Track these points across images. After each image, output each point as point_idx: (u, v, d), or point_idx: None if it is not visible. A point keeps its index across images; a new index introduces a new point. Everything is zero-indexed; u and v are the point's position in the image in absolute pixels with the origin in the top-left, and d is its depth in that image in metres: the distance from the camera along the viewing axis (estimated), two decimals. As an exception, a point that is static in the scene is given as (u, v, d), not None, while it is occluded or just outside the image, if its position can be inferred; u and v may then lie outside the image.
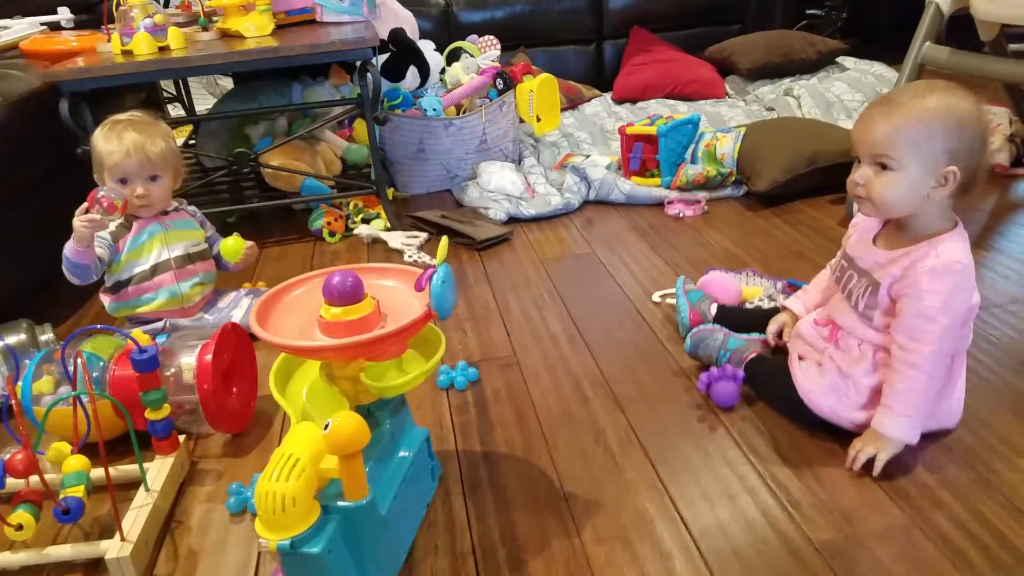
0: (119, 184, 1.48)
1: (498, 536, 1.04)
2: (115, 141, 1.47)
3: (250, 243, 1.62)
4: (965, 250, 1.07)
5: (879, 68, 2.95)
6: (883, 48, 3.08)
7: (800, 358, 1.22)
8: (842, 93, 2.76)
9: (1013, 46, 1.96)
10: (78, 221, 1.39)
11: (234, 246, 1.59)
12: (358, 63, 1.98)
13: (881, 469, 1.07)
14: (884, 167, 1.05)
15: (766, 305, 1.52)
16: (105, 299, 1.56)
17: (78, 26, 2.41)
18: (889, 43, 2.92)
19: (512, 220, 2.13)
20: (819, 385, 1.15)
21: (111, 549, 1.00)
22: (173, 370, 1.26)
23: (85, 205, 1.40)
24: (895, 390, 1.07)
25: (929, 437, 1.14)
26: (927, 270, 1.04)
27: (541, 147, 2.61)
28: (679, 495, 1.08)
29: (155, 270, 1.53)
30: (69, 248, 1.43)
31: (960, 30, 1.85)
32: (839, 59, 3.11)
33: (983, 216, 1.94)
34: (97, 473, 1.10)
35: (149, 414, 1.17)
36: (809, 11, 3.53)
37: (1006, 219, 1.94)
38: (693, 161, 2.22)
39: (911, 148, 1.03)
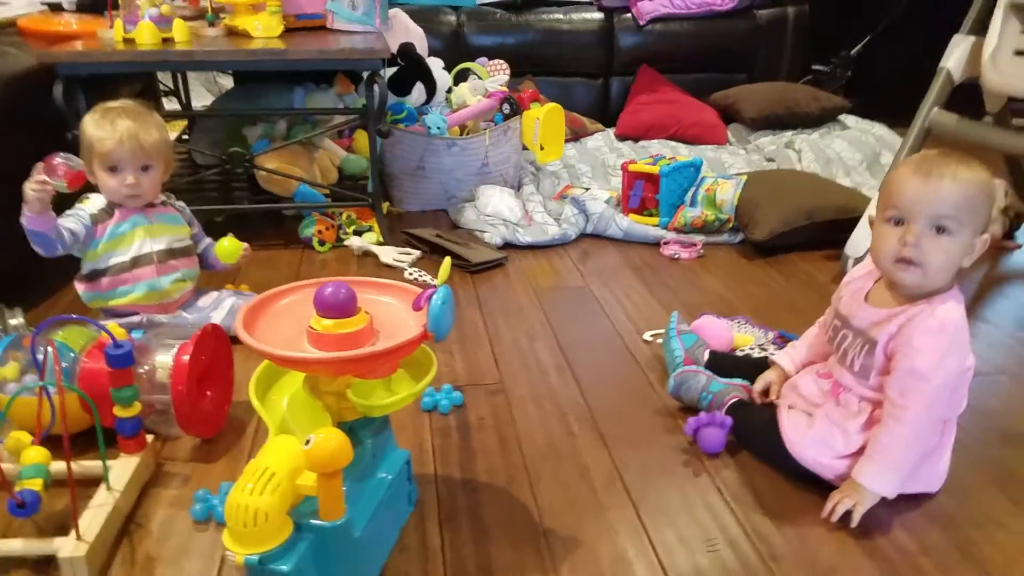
0: (109, 172, 1.44)
1: (473, 567, 1.00)
2: (108, 127, 1.43)
3: (246, 245, 1.58)
4: (961, 312, 1.07)
5: (880, 130, 2.99)
6: (885, 108, 3.11)
7: (790, 407, 1.21)
8: (842, 151, 2.78)
9: (1018, 121, 1.98)
10: (28, 184, 1.35)
11: (231, 247, 1.56)
12: (365, 74, 1.96)
13: (858, 522, 1.05)
14: (943, 230, 1.03)
15: (756, 354, 1.51)
16: (80, 287, 1.51)
17: (80, 9, 2.36)
18: (891, 104, 2.96)
19: (507, 245, 2.11)
20: (805, 436, 1.14)
21: (65, 547, 0.96)
22: (147, 367, 1.22)
23: (40, 167, 1.37)
24: (879, 443, 1.06)
25: (911, 500, 1.12)
26: (922, 328, 1.04)
27: (542, 176, 2.60)
28: (659, 539, 1.05)
29: (135, 262, 1.49)
30: (24, 217, 1.39)
31: (963, 100, 1.87)
32: (841, 117, 3.15)
33: (973, 286, 1.95)
34: (57, 467, 1.05)
35: (118, 411, 1.12)
36: (815, 66, 3.57)
37: (995, 290, 1.95)
38: (692, 204, 2.22)
39: (972, 214, 1.03)
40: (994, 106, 1.87)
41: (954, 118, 1.76)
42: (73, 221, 1.45)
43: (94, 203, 1.48)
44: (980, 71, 1.71)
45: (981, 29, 1.75)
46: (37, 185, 1.35)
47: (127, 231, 1.48)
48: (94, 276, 1.49)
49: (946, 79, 1.79)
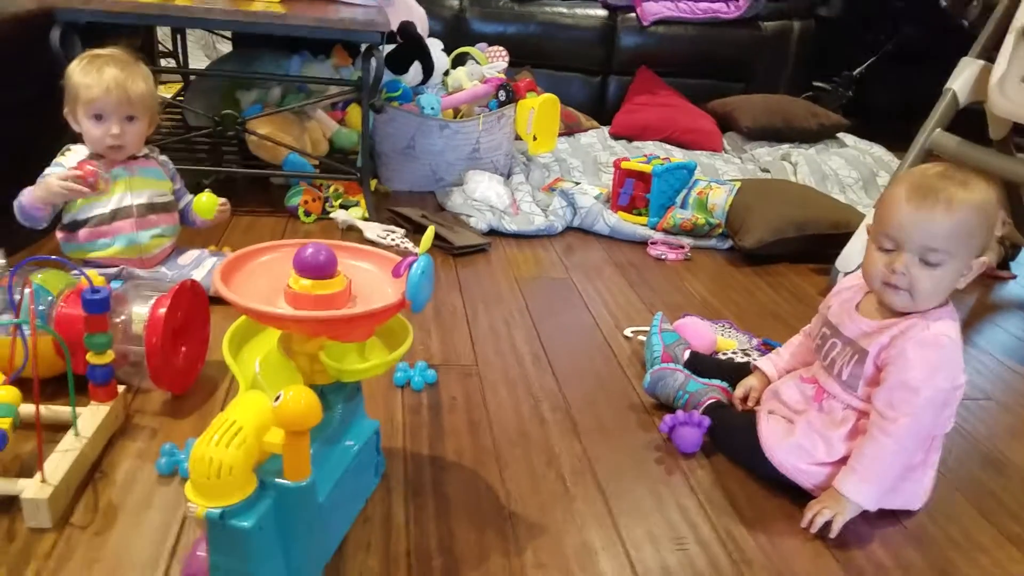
0: (94, 121, 1.41)
1: (435, 544, 0.98)
2: (94, 75, 1.40)
3: (223, 200, 1.56)
4: (955, 328, 1.06)
5: (878, 150, 3.00)
6: (882, 133, 3.14)
7: (770, 412, 1.20)
8: (839, 168, 2.79)
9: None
10: (58, 181, 1.36)
11: (208, 203, 1.53)
12: (364, 47, 1.94)
13: (837, 533, 1.04)
14: (931, 263, 1.02)
15: (739, 359, 1.50)
16: (60, 236, 1.48)
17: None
18: (888, 130, 2.98)
19: (492, 232, 2.09)
20: (785, 441, 1.12)
21: (29, 489, 0.94)
22: (123, 318, 1.19)
23: (75, 170, 1.38)
24: (863, 455, 1.05)
25: (891, 516, 1.12)
26: (916, 341, 1.03)
27: (532, 166, 2.58)
28: (628, 534, 1.04)
29: (115, 215, 1.46)
30: (28, 196, 1.38)
31: (966, 124, 1.87)
32: (839, 135, 3.16)
33: (965, 312, 1.96)
34: (27, 409, 1.03)
35: (91, 357, 1.10)
36: (816, 83, 3.59)
37: (986, 318, 1.96)
38: (683, 206, 2.21)
39: (964, 243, 1.02)
40: (998, 133, 1.87)
41: (955, 140, 1.76)
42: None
43: (74, 155, 1.45)
44: (986, 95, 1.71)
45: (990, 53, 1.75)
46: (68, 187, 1.35)
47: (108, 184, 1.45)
48: (73, 227, 1.46)
49: (951, 100, 1.79)
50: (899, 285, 1.04)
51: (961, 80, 1.79)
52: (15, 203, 1.40)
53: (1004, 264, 2.25)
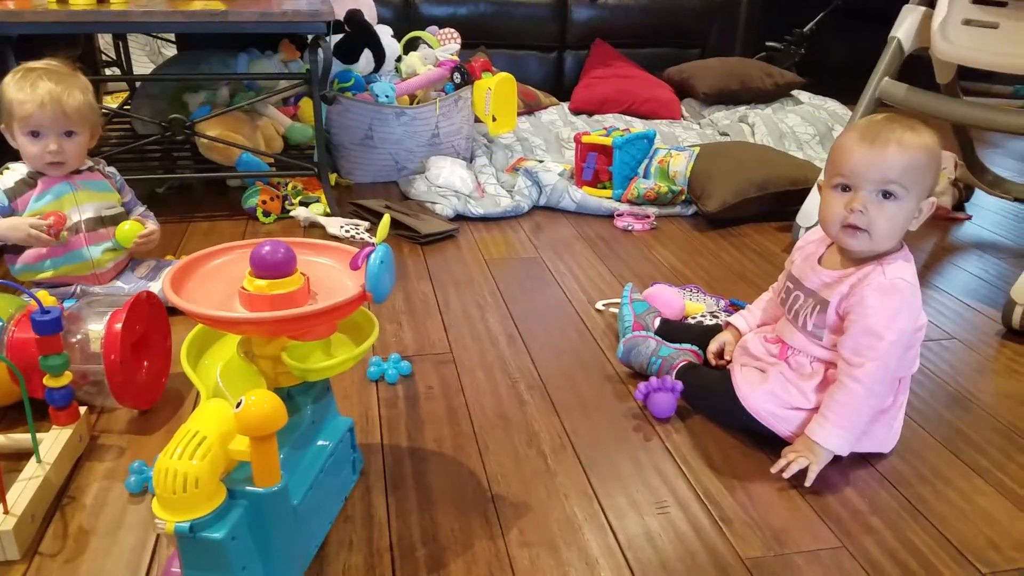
0: (30, 138, 1.36)
1: (419, 535, 0.98)
2: (28, 90, 1.34)
3: (151, 229, 1.50)
4: (911, 270, 1.08)
5: (833, 105, 3.01)
6: (836, 88, 3.15)
7: (742, 365, 1.21)
8: (795, 125, 2.80)
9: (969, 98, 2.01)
10: (28, 228, 1.34)
11: (129, 231, 1.47)
12: (310, 38, 1.90)
13: (812, 481, 1.06)
14: (888, 196, 1.04)
15: (708, 321, 1.51)
16: (9, 260, 1.44)
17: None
18: (842, 85, 2.99)
19: (459, 217, 2.08)
20: (759, 389, 1.14)
21: (-8, 521, 0.91)
22: (79, 337, 1.17)
23: (50, 222, 1.37)
24: (834, 401, 1.06)
25: (862, 460, 1.14)
26: (874, 287, 1.05)
27: (495, 148, 2.56)
28: (609, 503, 1.04)
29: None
30: None
31: (914, 72, 1.88)
32: (794, 92, 3.17)
33: (923, 256, 1.98)
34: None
35: (48, 380, 1.07)
36: (769, 43, 3.59)
37: (945, 260, 1.98)
38: (646, 176, 2.21)
39: (917, 179, 1.04)
40: (945, 77, 1.88)
41: (904, 88, 1.77)
42: None
43: (12, 175, 1.40)
44: (930, 41, 1.72)
45: (931, -1, 1.76)
46: (36, 236, 1.35)
47: (50, 200, 1.41)
48: (20, 249, 1.42)
49: (896, 48, 1.80)
50: (858, 224, 1.05)
51: (905, 27, 1.79)
52: None
53: (959, 206, 2.28)
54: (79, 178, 1.45)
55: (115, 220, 1.49)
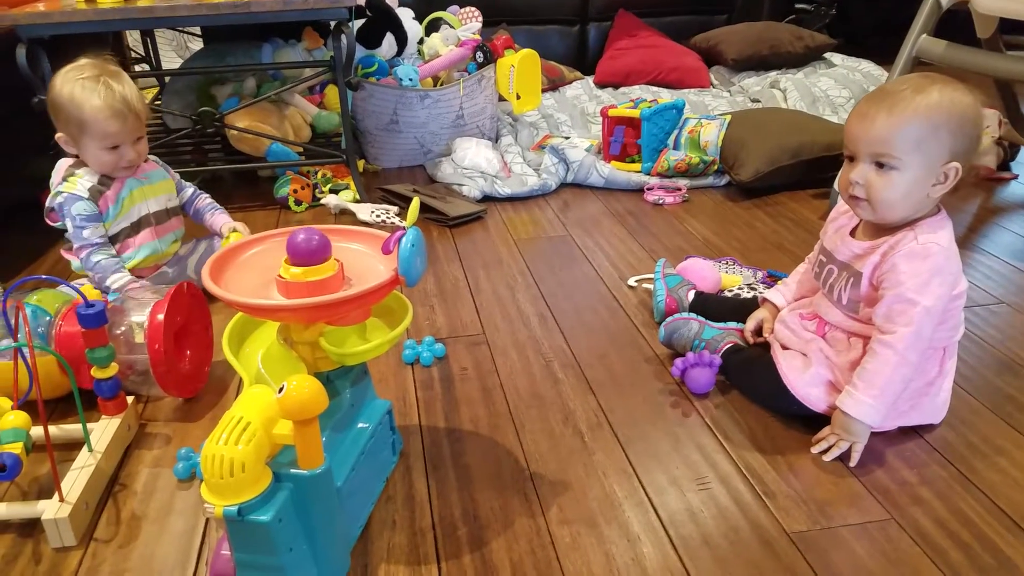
0: (108, 150, 1.37)
1: (459, 514, 0.99)
2: (107, 96, 1.33)
3: (246, 233, 1.54)
4: (946, 234, 1.04)
5: (867, 66, 2.94)
6: (866, 51, 3.07)
7: (784, 347, 1.19)
8: (829, 88, 2.74)
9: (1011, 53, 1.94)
10: (127, 289, 1.35)
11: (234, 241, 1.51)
12: (332, 25, 1.90)
13: (857, 461, 1.04)
14: (884, 166, 1.01)
15: (745, 294, 1.49)
16: (72, 255, 1.46)
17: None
18: (875, 44, 2.92)
19: (486, 198, 2.07)
20: (805, 374, 1.11)
21: (48, 510, 0.95)
22: (123, 328, 1.19)
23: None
24: (864, 369, 1.04)
25: (910, 432, 1.12)
26: (905, 253, 1.02)
27: (519, 126, 2.55)
28: (649, 480, 1.04)
29: (137, 226, 1.46)
30: (101, 279, 1.40)
31: (954, 28, 1.83)
32: (827, 55, 3.09)
33: (967, 218, 1.93)
34: (38, 431, 1.03)
35: (95, 372, 1.10)
36: (798, 5, 3.51)
37: (990, 221, 1.93)
38: (676, 147, 2.18)
39: (915, 146, 0.98)
40: (985, 31, 1.81)
41: (943, 44, 1.71)
42: (93, 231, 1.40)
43: (84, 182, 1.40)
44: (969, -6, 1.66)
45: (969, -49, 1.70)
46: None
47: (125, 196, 1.44)
48: None
49: (934, 4, 1.74)
50: (857, 195, 1.03)
51: (942, -18, 1.74)
52: (106, 280, 1.40)
53: (1004, 165, 2.21)
54: (141, 171, 1.47)
55: (175, 212, 1.53)
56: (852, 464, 1.05)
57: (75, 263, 1.46)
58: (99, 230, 1.41)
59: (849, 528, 0.95)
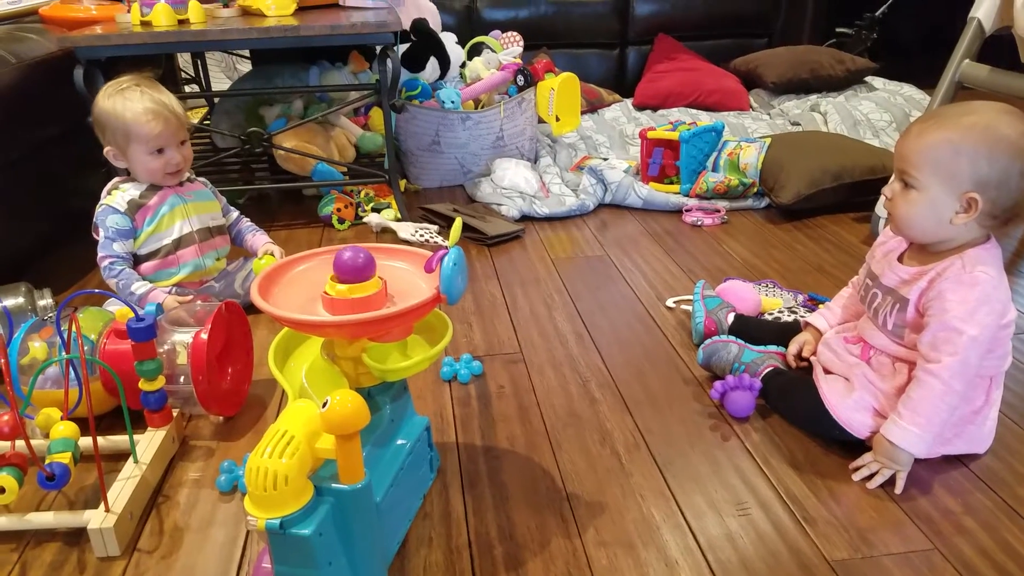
0: (155, 155, 1.42)
1: (496, 533, 0.99)
2: (146, 100, 1.39)
3: (281, 256, 1.56)
4: (995, 263, 1.02)
5: (909, 90, 2.90)
6: (910, 71, 3.03)
7: (826, 371, 1.17)
8: (870, 112, 2.71)
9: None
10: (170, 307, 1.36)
11: (265, 264, 1.52)
12: (378, 49, 1.95)
13: (902, 488, 1.02)
14: (907, 184, 1.02)
15: (786, 317, 1.47)
16: None
17: (99, -5, 2.38)
18: (916, 67, 2.88)
19: (525, 218, 2.09)
20: (848, 399, 1.10)
21: (94, 519, 0.97)
22: (167, 347, 1.22)
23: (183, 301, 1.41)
24: (909, 398, 1.02)
25: (953, 460, 1.09)
26: (953, 280, 1.01)
27: (558, 147, 2.57)
28: (687, 503, 1.03)
29: (178, 244, 1.49)
30: (139, 296, 1.42)
31: (995, 53, 1.80)
32: (868, 79, 3.07)
33: (1013, 243, 1.89)
34: (87, 442, 1.06)
35: (143, 384, 1.13)
36: (839, 29, 3.48)
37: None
38: (715, 169, 2.17)
39: (932, 168, 0.99)
40: (1029, 56, 1.79)
41: (985, 69, 1.69)
42: (122, 246, 1.44)
43: (123, 195, 1.45)
44: (1012, 19, 1.64)
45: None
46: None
47: (166, 213, 1.47)
48: (136, 262, 1.48)
49: (976, 29, 1.72)
50: (888, 208, 1.06)
51: (985, 6, 1.71)
52: (130, 287, 1.42)
53: None
54: (185, 190, 1.51)
55: (219, 230, 1.57)
56: (897, 492, 1.03)
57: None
58: (127, 246, 1.45)
59: (891, 557, 0.93)
